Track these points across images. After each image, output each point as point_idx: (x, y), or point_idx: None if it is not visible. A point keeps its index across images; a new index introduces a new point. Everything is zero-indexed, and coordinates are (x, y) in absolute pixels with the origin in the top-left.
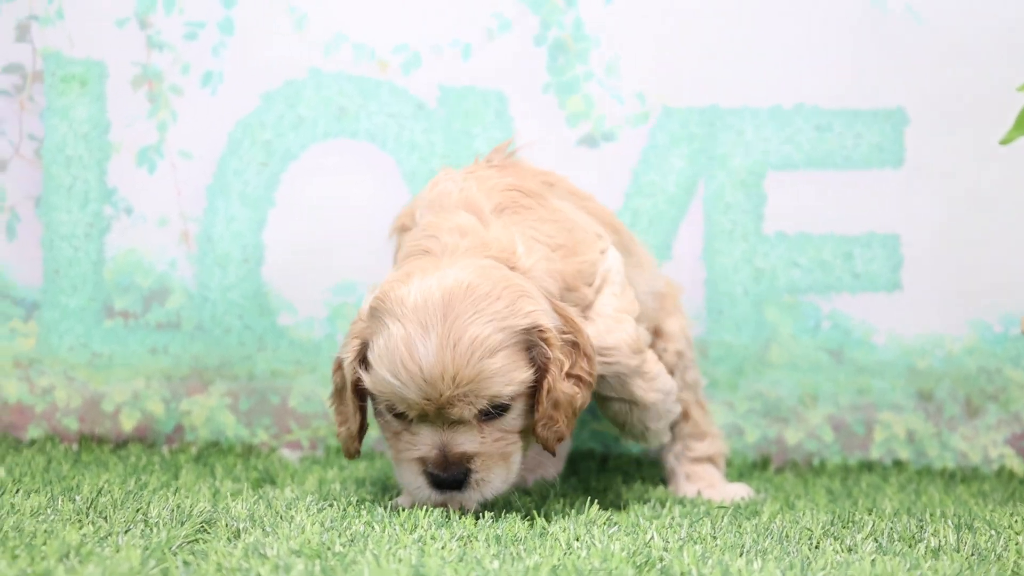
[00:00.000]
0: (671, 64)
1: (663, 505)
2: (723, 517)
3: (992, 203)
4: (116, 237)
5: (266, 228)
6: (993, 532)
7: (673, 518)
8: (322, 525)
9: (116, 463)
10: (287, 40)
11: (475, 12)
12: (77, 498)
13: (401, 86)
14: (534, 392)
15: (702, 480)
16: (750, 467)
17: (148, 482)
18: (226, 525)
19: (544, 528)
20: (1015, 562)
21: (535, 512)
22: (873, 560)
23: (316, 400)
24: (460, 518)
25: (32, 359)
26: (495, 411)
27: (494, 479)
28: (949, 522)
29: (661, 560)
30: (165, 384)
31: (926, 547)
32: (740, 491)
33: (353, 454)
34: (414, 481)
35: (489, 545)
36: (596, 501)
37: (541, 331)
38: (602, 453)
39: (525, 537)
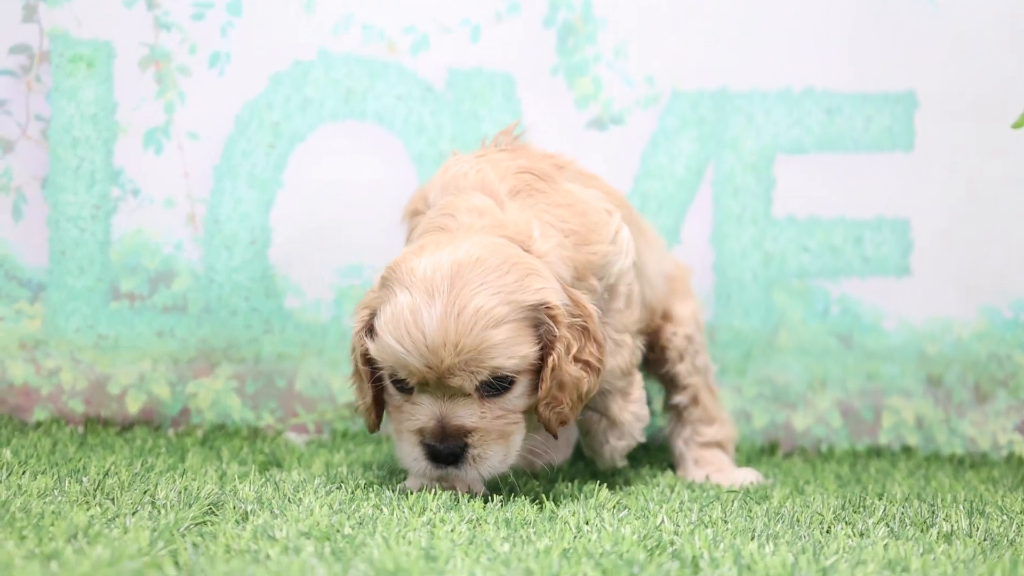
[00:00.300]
0: (681, 47)
1: (672, 490)
2: (733, 501)
3: (1002, 187)
4: (123, 218)
5: (273, 210)
6: (1005, 517)
7: (683, 502)
8: (331, 508)
9: (122, 445)
10: (295, 21)
11: None
12: (84, 480)
13: (409, 68)
14: (539, 371)
15: (711, 465)
16: (758, 452)
17: (155, 464)
18: (234, 507)
19: (554, 512)
20: None
21: (544, 496)
22: (886, 544)
23: (322, 383)
24: (469, 501)
25: (38, 341)
26: (497, 386)
27: (491, 457)
28: (961, 507)
29: (672, 544)
30: (171, 367)
31: (938, 532)
32: (749, 476)
33: (372, 427)
34: (411, 453)
35: (499, 528)
36: (605, 485)
37: (549, 308)
38: None
39: (535, 520)
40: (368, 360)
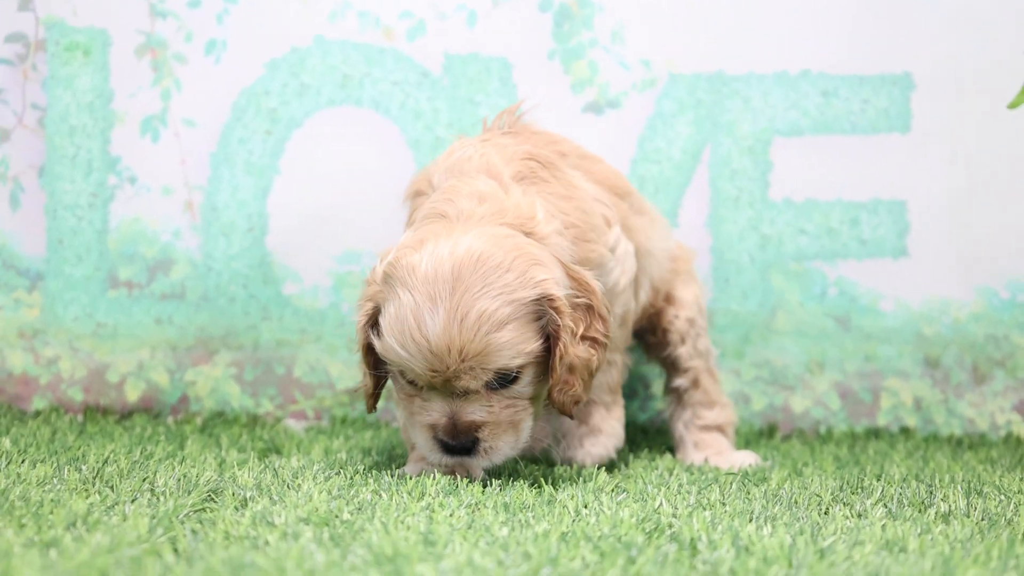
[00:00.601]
0: (677, 30)
1: (671, 473)
2: (731, 484)
3: (999, 168)
4: (120, 207)
5: (270, 197)
6: (1003, 497)
7: (681, 485)
8: (329, 493)
9: (121, 433)
10: (292, 7)
11: None
12: (83, 468)
13: (406, 53)
14: (546, 358)
15: (710, 448)
16: (756, 435)
17: (154, 452)
18: (233, 494)
19: (552, 496)
20: None
21: (543, 480)
22: (884, 525)
23: (321, 370)
24: (467, 485)
25: (37, 330)
26: (503, 380)
27: (503, 446)
28: (958, 487)
29: (671, 526)
30: (170, 354)
31: (936, 512)
32: (747, 458)
33: (369, 410)
34: (427, 444)
35: (497, 512)
36: (603, 468)
37: (551, 300)
38: None
39: (533, 504)
40: (370, 352)
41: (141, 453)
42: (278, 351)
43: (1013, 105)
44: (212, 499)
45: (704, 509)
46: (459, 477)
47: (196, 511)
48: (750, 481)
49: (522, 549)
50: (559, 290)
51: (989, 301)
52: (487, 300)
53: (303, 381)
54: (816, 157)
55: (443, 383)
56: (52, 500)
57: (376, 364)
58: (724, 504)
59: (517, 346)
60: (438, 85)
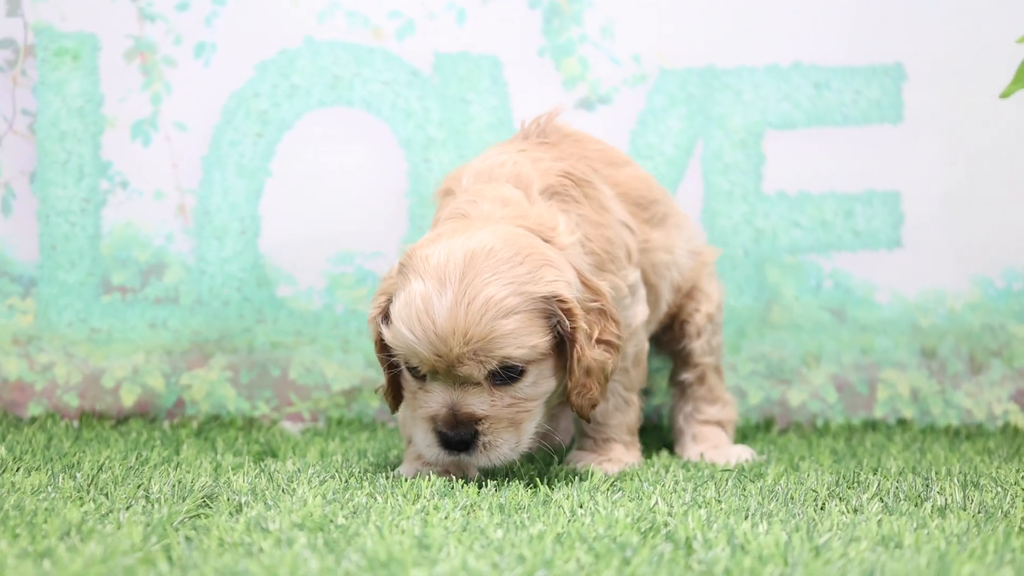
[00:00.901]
0: (667, 25)
1: (667, 470)
2: (727, 480)
3: (992, 158)
4: (112, 211)
5: (263, 199)
6: (1000, 489)
7: (677, 483)
8: (324, 497)
9: (117, 439)
10: (280, 8)
11: None
12: (78, 475)
13: (395, 53)
14: (553, 360)
15: (707, 441)
16: (753, 429)
17: (149, 457)
18: (228, 499)
19: (548, 496)
20: (1023, 518)
21: (538, 480)
22: (879, 520)
23: (316, 371)
24: (463, 487)
25: (31, 336)
26: (507, 375)
27: (502, 444)
28: (955, 480)
29: (666, 525)
30: (165, 359)
31: (932, 506)
32: (743, 453)
33: (392, 409)
34: (425, 439)
35: (493, 514)
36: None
37: (561, 301)
38: None
39: (529, 505)
40: (384, 347)
41: (136, 459)
42: (273, 353)
43: (1006, 94)
44: (207, 505)
45: (700, 507)
46: (455, 478)
47: (191, 517)
48: (746, 477)
49: (517, 552)
50: (570, 292)
51: (984, 291)
52: (496, 287)
53: (298, 383)
54: (809, 149)
55: (446, 369)
56: (46, 509)
57: (391, 361)
58: (720, 501)
59: (522, 337)
60: (428, 84)
